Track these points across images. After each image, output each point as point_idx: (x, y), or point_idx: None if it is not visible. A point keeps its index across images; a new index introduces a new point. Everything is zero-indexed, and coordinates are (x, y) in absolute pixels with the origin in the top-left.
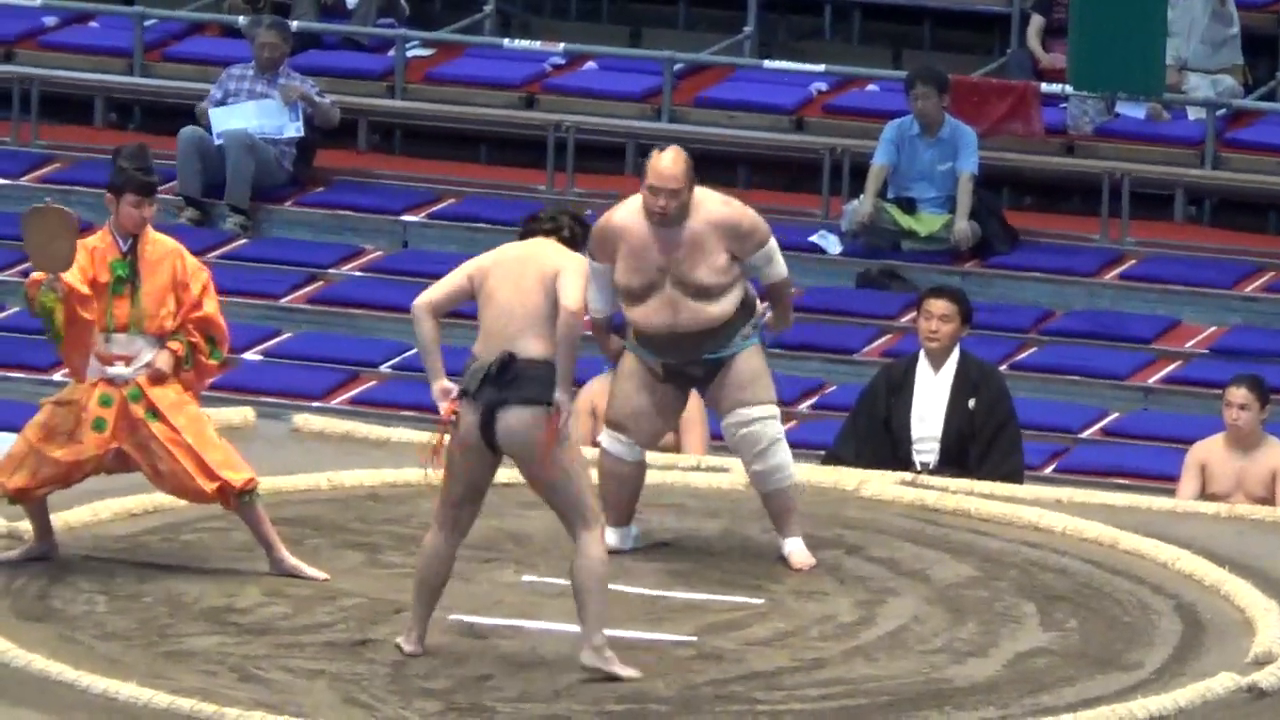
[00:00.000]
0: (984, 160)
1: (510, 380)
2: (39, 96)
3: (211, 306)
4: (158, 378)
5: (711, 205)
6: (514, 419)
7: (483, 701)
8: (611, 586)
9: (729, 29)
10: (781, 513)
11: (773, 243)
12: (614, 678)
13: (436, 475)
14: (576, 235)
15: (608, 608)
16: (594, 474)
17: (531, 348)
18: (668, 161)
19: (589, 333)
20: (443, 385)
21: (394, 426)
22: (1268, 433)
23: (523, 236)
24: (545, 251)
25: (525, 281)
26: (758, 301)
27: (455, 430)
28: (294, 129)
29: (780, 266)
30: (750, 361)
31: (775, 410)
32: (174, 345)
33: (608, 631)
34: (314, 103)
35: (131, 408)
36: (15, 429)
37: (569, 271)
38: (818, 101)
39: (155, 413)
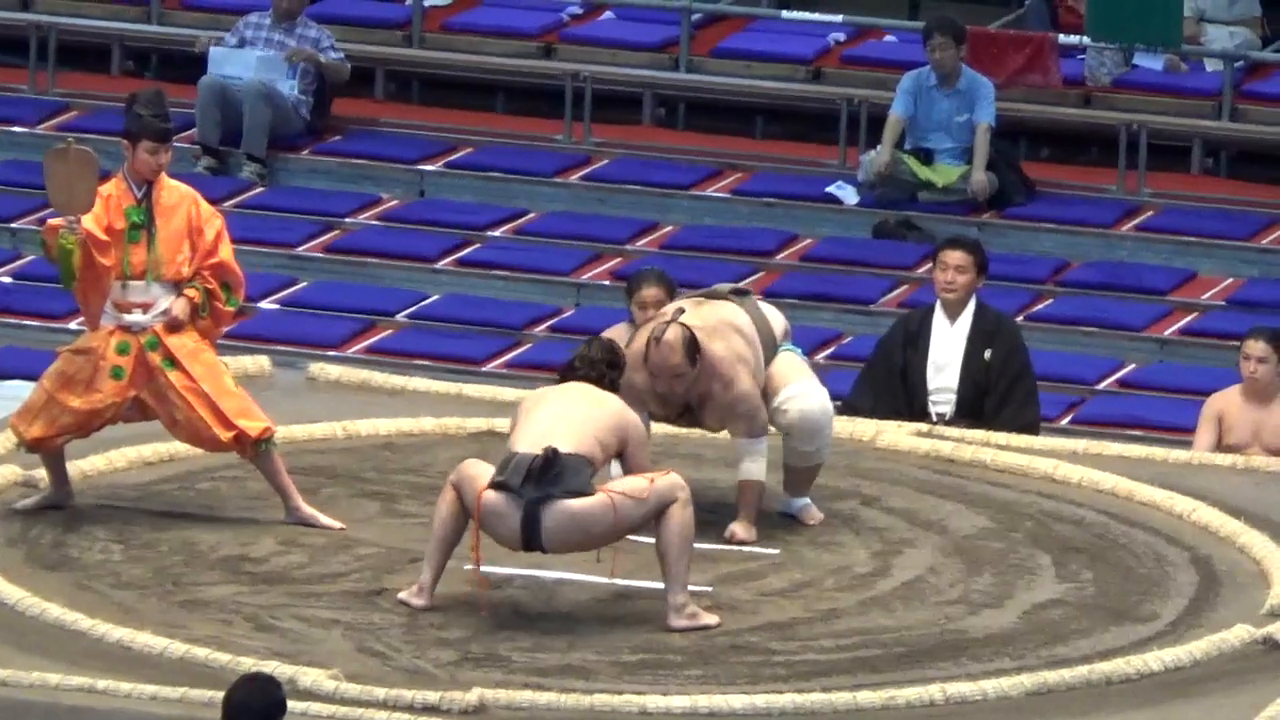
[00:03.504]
0: (1001, 111)
1: (556, 476)
2: (56, 44)
3: (226, 253)
4: (175, 325)
5: (720, 383)
6: (561, 513)
7: (498, 651)
8: (628, 536)
9: None
10: (802, 481)
11: (759, 443)
12: (703, 628)
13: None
14: (615, 382)
15: (688, 569)
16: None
17: (573, 446)
18: (666, 352)
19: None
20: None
21: (410, 376)
22: None
23: (561, 378)
24: (593, 392)
25: (575, 403)
26: (786, 328)
27: (486, 514)
28: (289, 87)
29: (757, 466)
30: (785, 358)
31: (820, 386)
32: (190, 292)
33: (623, 582)
34: (321, 63)
35: (149, 356)
36: (32, 377)
37: (640, 451)
38: (835, 52)
39: (172, 361)
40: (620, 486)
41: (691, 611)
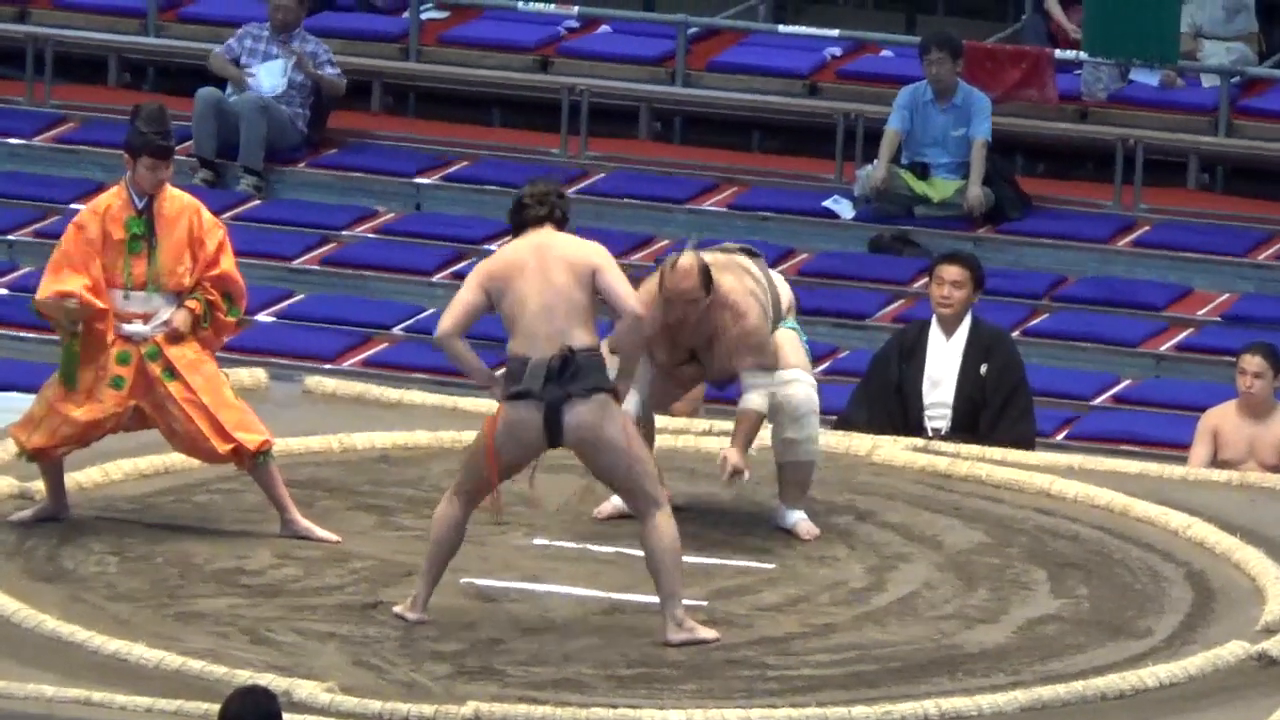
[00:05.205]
0: (997, 126)
1: (573, 375)
2: (53, 56)
3: (228, 264)
4: (175, 336)
5: (732, 315)
6: (581, 411)
7: (493, 665)
8: (620, 550)
9: None
10: (794, 485)
11: (765, 376)
12: (701, 643)
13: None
14: (567, 213)
15: (682, 582)
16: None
17: (582, 339)
18: (681, 277)
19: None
20: (504, 386)
21: (406, 389)
22: None
23: (516, 227)
24: (561, 242)
25: (555, 277)
26: (791, 301)
27: (507, 429)
28: (281, 85)
29: (758, 399)
30: (784, 337)
31: (811, 379)
32: (191, 304)
33: (619, 596)
34: (319, 76)
35: (149, 366)
36: (29, 389)
37: (609, 273)
38: (831, 66)
39: (172, 372)
40: (635, 436)
41: (690, 626)
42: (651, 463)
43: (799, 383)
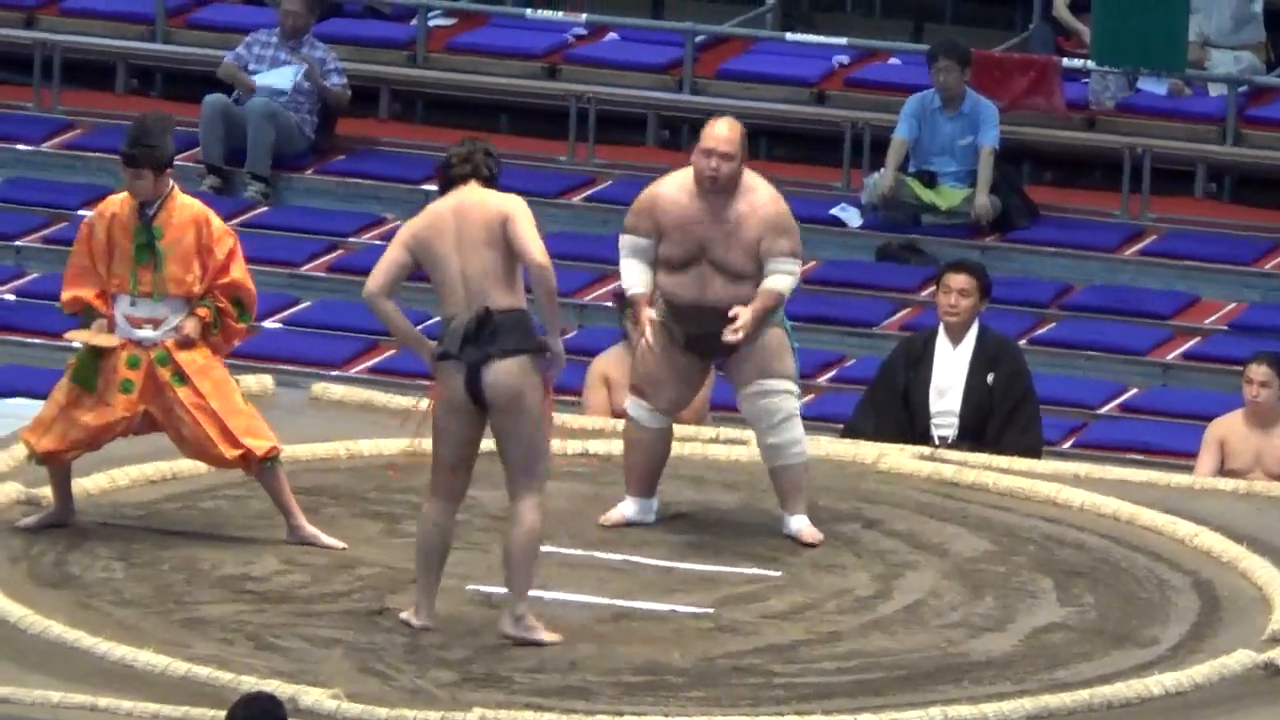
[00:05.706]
0: (1005, 134)
1: (491, 335)
2: (61, 62)
3: (239, 272)
4: (185, 343)
5: (760, 196)
6: (500, 371)
7: (499, 671)
8: (629, 558)
9: (751, 1)
10: (789, 489)
11: (796, 265)
12: (536, 644)
13: (424, 444)
14: (494, 172)
15: (531, 578)
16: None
17: (502, 300)
18: (722, 127)
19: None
20: (434, 350)
21: (413, 395)
22: None
23: (443, 187)
24: (478, 199)
25: (474, 235)
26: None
27: (440, 394)
28: (293, 85)
29: (786, 282)
30: (774, 337)
31: (794, 387)
32: (202, 311)
33: (625, 603)
34: (325, 88)
35: (158, 371)
36: (36, 395)
37: (518, 221)
38: (839, 74)
39: (182, 377)
40: (548, 413)
41: (529, 624)
42: (548, 443)
43: (777, 393)
